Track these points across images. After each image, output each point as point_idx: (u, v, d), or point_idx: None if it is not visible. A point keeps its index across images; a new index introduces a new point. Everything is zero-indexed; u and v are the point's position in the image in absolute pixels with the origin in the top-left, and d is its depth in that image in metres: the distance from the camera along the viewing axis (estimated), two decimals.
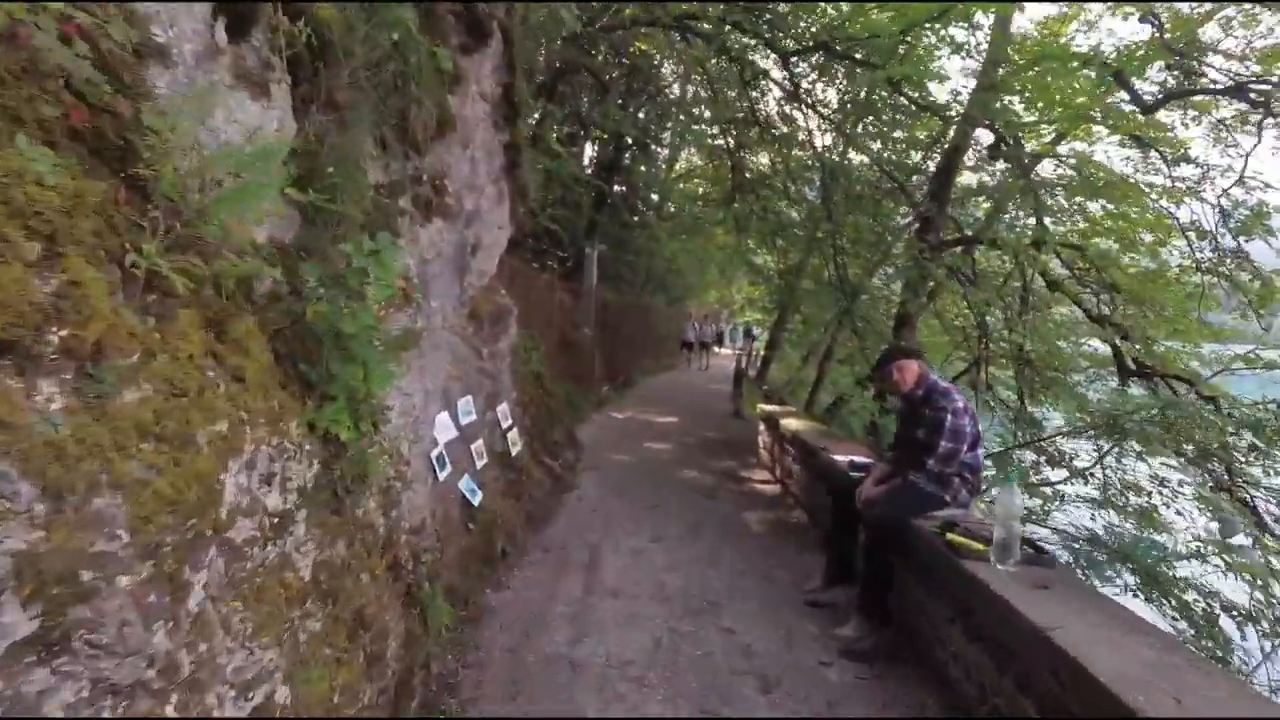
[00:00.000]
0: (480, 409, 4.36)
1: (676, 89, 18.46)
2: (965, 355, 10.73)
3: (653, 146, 18.63)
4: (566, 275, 15.05)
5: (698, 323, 21.54)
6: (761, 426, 7.48)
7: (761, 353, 24.35)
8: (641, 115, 17.07)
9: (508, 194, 4.60)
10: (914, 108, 7.45)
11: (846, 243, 8.93)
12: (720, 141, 13.66)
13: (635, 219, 22.04)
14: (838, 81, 8.52)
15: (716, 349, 27.35)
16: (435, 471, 3.46)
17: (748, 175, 12.29)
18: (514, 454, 4.71)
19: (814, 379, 15.08)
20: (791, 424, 6.16)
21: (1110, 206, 7.32)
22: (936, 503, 3.27)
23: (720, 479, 6.75)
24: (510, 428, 4.74)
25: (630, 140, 16.65)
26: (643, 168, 18.19)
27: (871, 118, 8.56)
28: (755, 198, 11.75)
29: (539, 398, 6.08)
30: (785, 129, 10.46)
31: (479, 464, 4.11)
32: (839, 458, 4.59)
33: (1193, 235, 7.08)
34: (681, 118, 17.35)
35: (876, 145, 8.63)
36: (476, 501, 3.77)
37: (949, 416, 3.20)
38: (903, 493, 3.29)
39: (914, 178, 8.53)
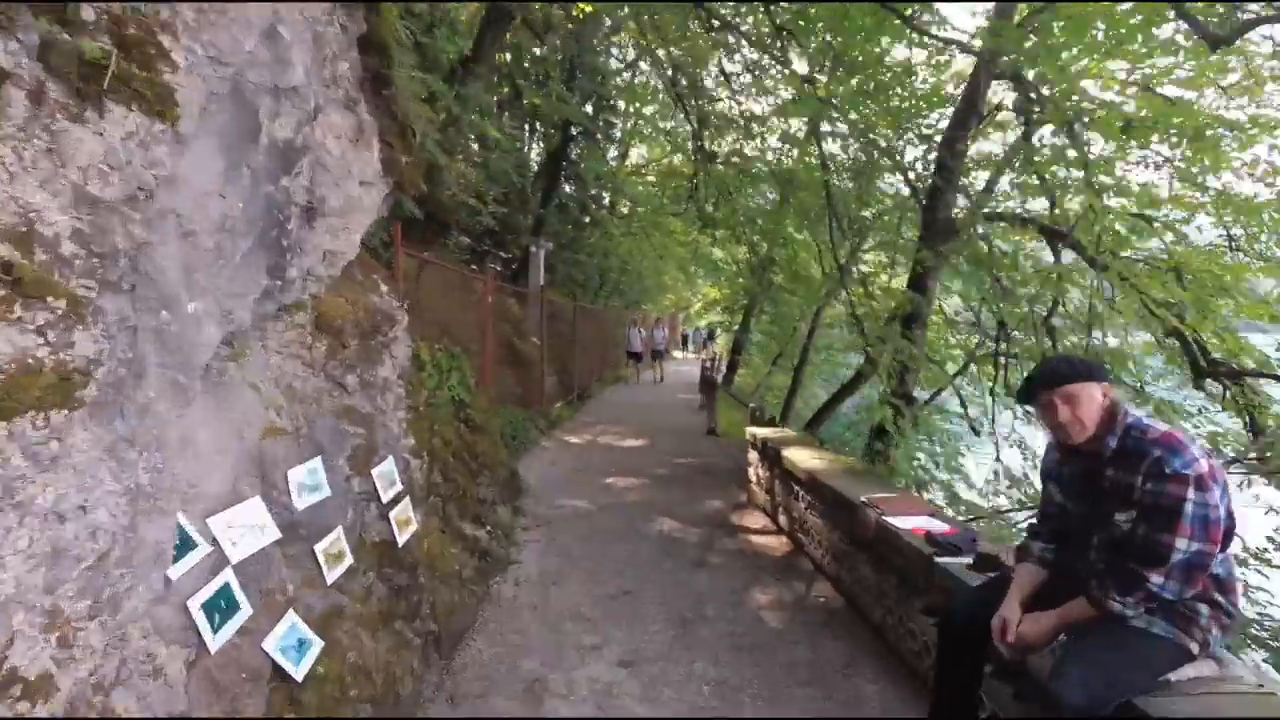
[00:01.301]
0: (340, 477, 2.66)
1: (627, 75, 16.94)
2: (963, 350, 9.50)
3: (600, 137, 17.03)
4: (512, 278, 13.31)
5: (642, 328, 18.29)
6: (752, 455, 5.93)
7: (718, 355, 23.12)
8: (589, 107, 15.48)
9: (375, 135, 2.90)
10: (924, 41, 6.06)
11: (843, 220, 7.49)
12: (682, 119, 12.15)
13: (587, 217, 20.47)
14: (819, 31, 7.03)
15: (679, 353, 25.88)
16: (205, 629, 1.78)
17: (713, 155, 10.83)
18: (402, 542, 3.00)
19: (788, 386, 13.72)
20: (803, 460, 4.61)
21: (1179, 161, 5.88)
22: (1171, 657, 1.74)
23: (708, 530, 5.15)
24: (398, 498, 3.03)
25: (577, 129, 15.02)
26: (592, 160, 16.53)
27: (861, 76, 7.12)
28: (723, 177, 10.29)
29: (458, 439, 4.35)
30: (758, 94, 9.01)
31: (329, 577, 2.41)
32: (900, 524, 3.05)
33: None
34: (635, 105, 15.79)
35: (867, 109, 7.18)
36: (301, 670, 2.06)
37: (1191, 492, 1.68)
38: (1111, 646, 1.73)
39: (917, 145, 7.14)
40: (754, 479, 5.87)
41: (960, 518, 5.51)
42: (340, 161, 2.61)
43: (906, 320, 6.71)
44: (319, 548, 2.42)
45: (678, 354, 26.50)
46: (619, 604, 3.72)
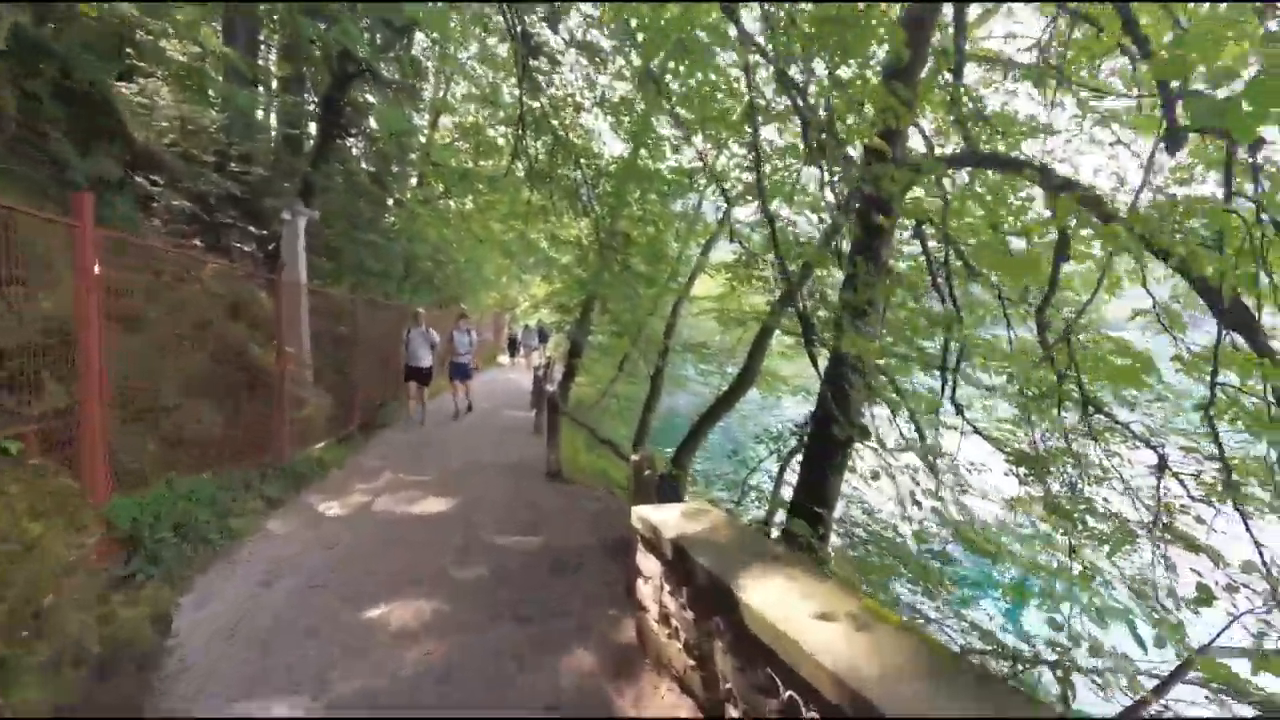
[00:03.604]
0: None
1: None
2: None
3: (395, 86, 13.30)
4: (270, 263, 9.29)
5: (427, 327, 10.25)
6: (648, 563, 3.19)
7: (552, 359, 20.10)
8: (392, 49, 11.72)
9: None
10: None
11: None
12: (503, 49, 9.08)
13: (392, 198, 16.45)
14: None
15: (504, 358, 22.42)
16: None
17: (543, 103, 7.96)
18: None
19: (643, 400, 11.33)
20: (802, 629, 1.97)
21: None
22: None
23: None
24: None
25: (357, 67, 11.25)
26: (390, 115, 12.76)
27: None
28: (556, 118, 7.48)
29: None
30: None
31: None
32: None
33: None
34: (434, 36, 12.25)
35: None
36: None
37: None
38: None
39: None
40: (652, 609, 3.13)
41: None
42: None
43: (852, 310, 4.45)
44: None
45: (503, 359, 23.02)
46: None
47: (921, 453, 4.81)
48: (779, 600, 2.19)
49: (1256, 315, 3.93)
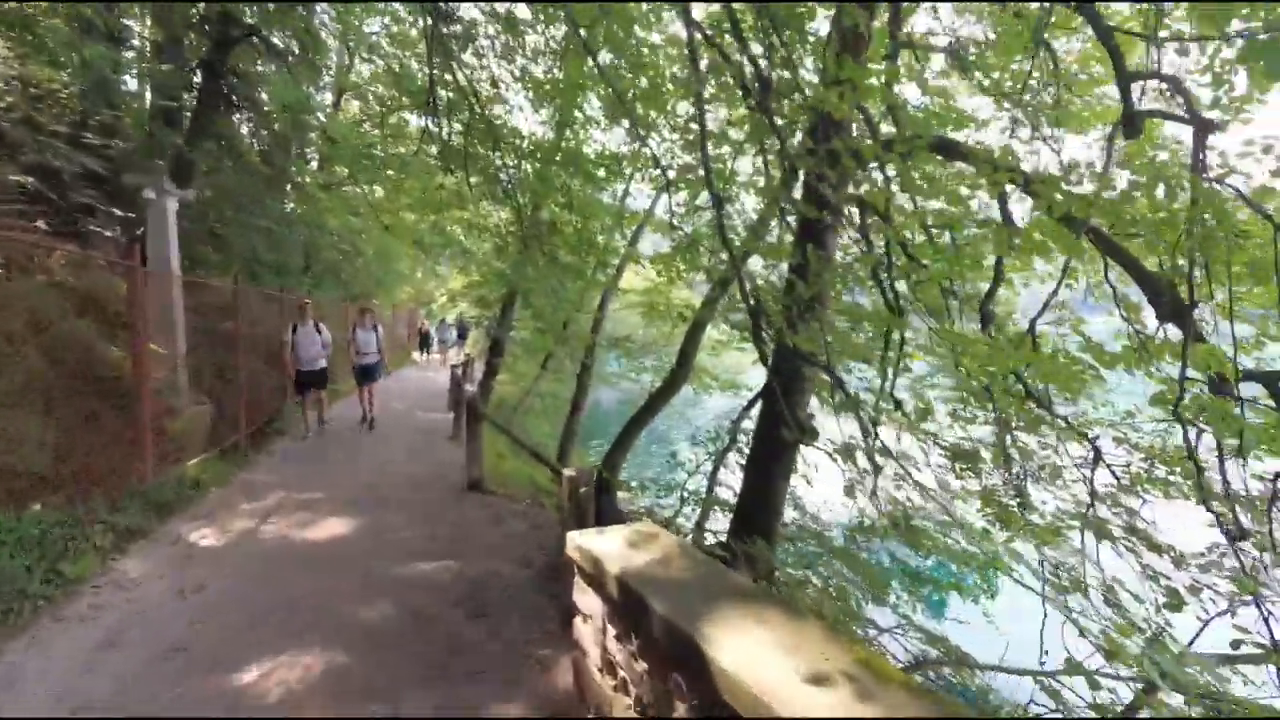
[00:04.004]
0: None
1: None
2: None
3: (289, 56, 12.05)
4: (140, 249, 8.02)
5: (317, 323, 8.42)
6: (588, 601, 2.72)
7: (472, 357, 19.07)
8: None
9: None
10: None
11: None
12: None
13: (291, 182, 15.02)
14: None
15: (419, 355, 21.14)
16: None
17: (456, 78, 7.21)
18: None
19: (570, 399, 10.78)
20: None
21: None
22: None
23: None
24: None
25: (241, 31, 10.03)
26: (280, 88, 11.50)
27: None
28: (472, 113, 6.78)
29: None
30: None
31: None
32: None
33: None
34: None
35: None
36: None
37: None
38: None
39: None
40: (593, 654, 2.67)
41: None
42: None
43: (792, 288, 4.14)
44: None
45: (418, 356, 21.69)
46: None
47: (869, 451, 4.60)
48: (756, 657, 1.78)
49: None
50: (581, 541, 2.70)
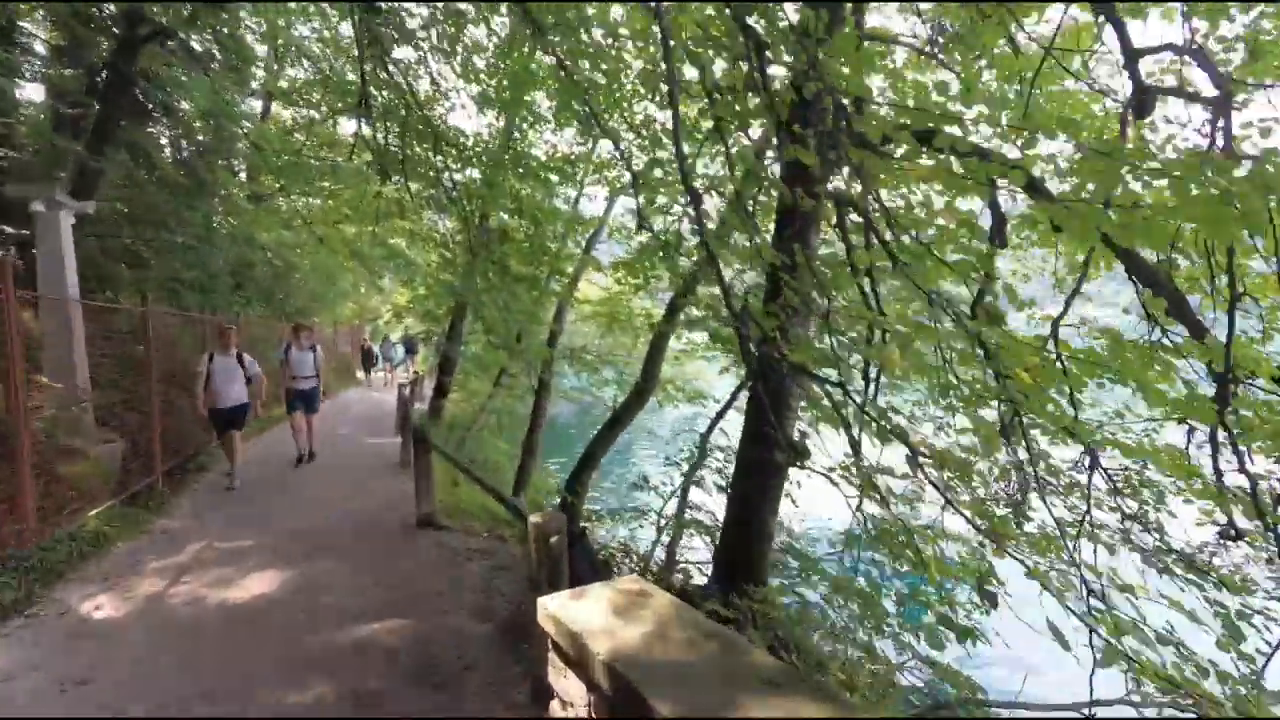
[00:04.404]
0: None
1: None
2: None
3: (209, 57, 11.16)
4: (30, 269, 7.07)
5: (239, 351, 7.09)
6: (569, 685, 2.22)
7: (417, 372, 18.12)
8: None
9: None
10: None
11: None
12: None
13: (217, 194, 13.94)
14: None
15: (361, 373, 20.01)
16: None
17: (390, 73, 6.62)
18: None
19: (528, 418, 10.19)
20: None
21: None
22: None
23: None
24: None
25: (149, 30, 9.16)
26: (198, 90, 10.59)
27: None
28: (406, 112, 6.19)
29: None
30: None
31: None
32: None
33: None
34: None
35: None
36: None
37: None
38: None
39: None
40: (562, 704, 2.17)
41: None
42: None
43: (774, 293, 3.77)
44: None
45: (361, 376, 20.52)
46: None
47: (863, 476, 4.25)
48: None
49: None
50: (557, 610, 2.19)
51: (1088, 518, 4.51)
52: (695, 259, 7.13)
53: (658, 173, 4.84)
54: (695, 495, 5.69)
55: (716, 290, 5.11)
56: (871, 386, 5.03)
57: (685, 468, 6.05)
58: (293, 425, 7.86)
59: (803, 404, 5.14)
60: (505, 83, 5.85)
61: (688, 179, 2.96)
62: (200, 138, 12.94)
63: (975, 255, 3.66)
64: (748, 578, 4.03)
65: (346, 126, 13.60)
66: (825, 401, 4.68)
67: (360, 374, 20.24)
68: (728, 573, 4.17)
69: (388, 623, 3.71)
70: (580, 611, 2.18)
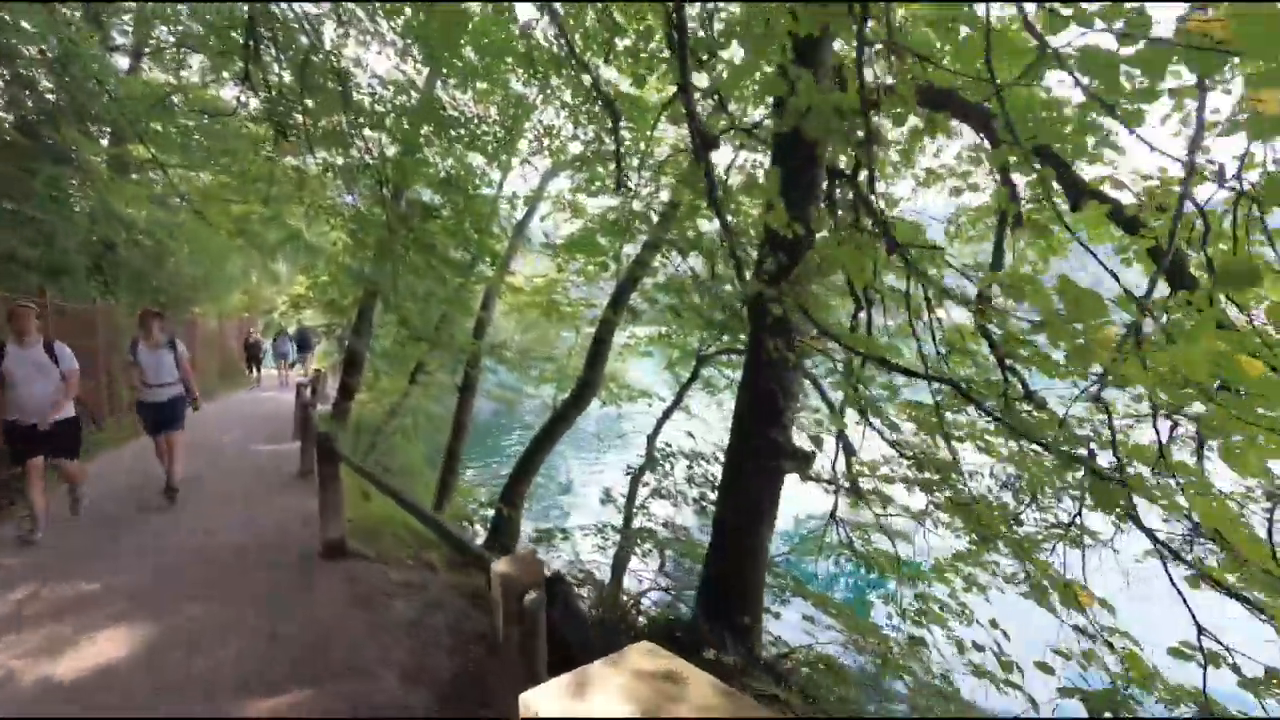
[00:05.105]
0: None
1: None
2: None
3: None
4: None
5: (48, 343, 4.89)
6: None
7: (318, 369, 16.31)
8: None
9: None
10: None
11: None
12: None
13: (72, 161, 11.82)
14: None
15: (253, 374, 17.91)
16: None
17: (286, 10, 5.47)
18: None
19: (452, 419, 9.15)
20: None
21: None
22: None
23: None
24: None
25: None
26: (43, 27, 8.76)
27: None
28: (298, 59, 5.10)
29: None
30: None
31: None
32: None
33: None
34: None
35: None
36: None
37: None
38: None
39: None
40: None
41: None
42: None
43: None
44: None
45: (248, 374, 18.21)
46: None
47: (850, 479, 3.76)
48: None
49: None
50: (532, 703, 1.47)
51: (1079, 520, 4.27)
52: (644, 242, 6.46)
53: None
54: (657, 507, 5.04)
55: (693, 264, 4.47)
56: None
57: (649, 476, 5.39)
58: (156, 448, 6.08)
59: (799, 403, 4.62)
60: (430, 19, 4.89)
61: (698, 125, 2.29)
62: (52, 98, 10.91)
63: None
64: (741, 609, 3.43)
65: (231, 92, 11.91)
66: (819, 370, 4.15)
67: (247, 372, 18.04)
68: (717, 604, 3.54)
69: (288, 696, 2.81)
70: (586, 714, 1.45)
